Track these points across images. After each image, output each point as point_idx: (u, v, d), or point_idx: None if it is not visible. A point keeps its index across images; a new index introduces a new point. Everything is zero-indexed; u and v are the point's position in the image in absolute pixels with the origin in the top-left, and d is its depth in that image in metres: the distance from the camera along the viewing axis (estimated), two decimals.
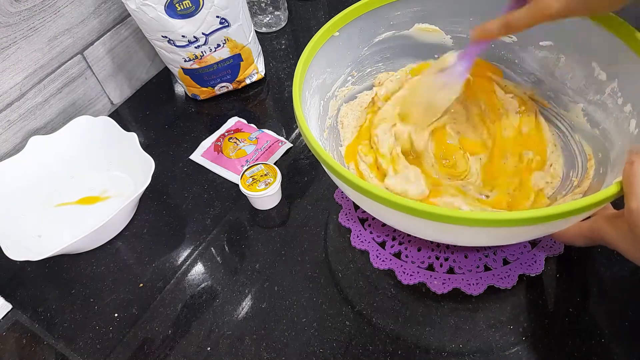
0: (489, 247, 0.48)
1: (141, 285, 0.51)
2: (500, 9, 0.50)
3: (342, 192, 0.54)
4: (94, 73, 0.67)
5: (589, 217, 0.38)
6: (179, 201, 0.58)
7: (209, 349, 0.45)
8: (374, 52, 0.55)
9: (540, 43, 0.50)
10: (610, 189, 0.32)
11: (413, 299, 0.46)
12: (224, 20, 0.61)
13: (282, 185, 0.54)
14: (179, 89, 0.73)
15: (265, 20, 0.78)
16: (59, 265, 0.53)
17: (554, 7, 0.36)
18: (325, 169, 0.40)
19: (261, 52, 0.71)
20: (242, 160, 0.60)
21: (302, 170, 0.59)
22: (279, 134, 0.63)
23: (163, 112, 0.70)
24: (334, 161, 0.37)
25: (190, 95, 0.70)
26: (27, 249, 0.52)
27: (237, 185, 0.56)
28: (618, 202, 0.34)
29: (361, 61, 0.54)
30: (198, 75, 0.66)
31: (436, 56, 0.56)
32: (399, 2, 0.51)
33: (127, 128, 0.58)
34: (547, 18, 0.37)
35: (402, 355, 0.42)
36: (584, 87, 0.48)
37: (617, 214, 0.35)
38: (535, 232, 0.39)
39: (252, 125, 0.65)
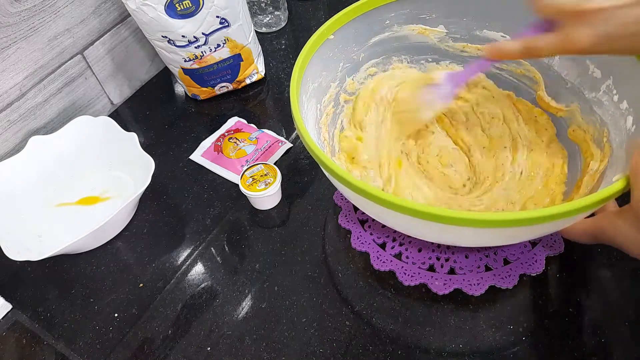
0: (490, 247, 0.48)
1: (141, 285, 0.51)
2: (493, 9, 0.50)
3: (341, 194, 0.54)
4: (94, 73, 0.67)
5: (592, 215, 0.38)
6: (179, 201, 0.58)
7: (209, 349, 0.45)
8: (369, 55, 0.55)
9: None
10: (612, 187, 0.32)
11: (413, 299, 0.46)
12: (224, 20, 0.61)
13: (282, 185, 0.54)
14: (179, 89, 0.73)
15: (265, 20, 0.78)
16: (59, 265, 0.53)
17: (584, 42, 0.34)
18: (325, 172, 0.40)
19: (261, 52, 0.71)
20: (242, 160, 0.60)
21: (302, 170, 0.59)
22: (279, 134, 0.63)
23: (163, 112, 0.70)
24: (333, 164, 0.37)
25: (190, 95, 0.70)
26: (27, 249, 0.51)
27: (237, 185, 0.56)
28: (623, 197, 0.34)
29: (357, 63, 0.54)
30: (198, 75, 0.66)
31: (429, 60, 0.57)
32: (393, 4, 0.51)
33: (127, 128, 0.58)
34: (574, 52, 0.36)
35: (402, 355, 0.42)
36: (578, 85, 0.48)
37: (621, 210, 0.35)
38: (538, 232, 0.39)
39: (252, 125, 0.65)
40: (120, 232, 0.55)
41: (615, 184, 0.32)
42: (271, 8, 0.77)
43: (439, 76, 0.47)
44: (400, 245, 0.49)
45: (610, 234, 0.36)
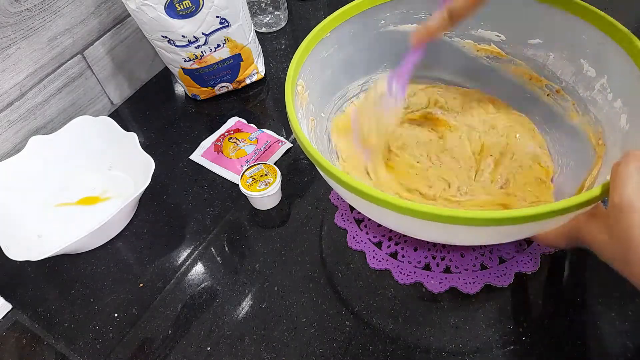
0: (485, 246, 0.48)
1: (141, 285, 0.51)
2: (487, 8, 0.50)
3: (337, 193, 0.54)
4: (94, 73, 0.67)
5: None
6: (179, 201, 0.58)
7: (209, 349, 0.45)
8: (364, 55, 0.55)
9: (529, 41, 0.50)
10: (596, 189, 0.32)
11: (413, 299, 0.46)
12: (224, 20, 0.61)
13: (282, 185, 0.55)
14: (179, 89, 0.73)
15: (265, 20, 0.78)
16: (59, 265, 0.53)
17: None
18: (320, 172, 0.40)
19: (261, 52, 0.71)
20: (242, 160, 0.60)
21: (302, 170, 0.59)
22: (279, 134, 0.63)
23: (163, 112, 0.70)
24: (326, 161, 0.37)
25: (190, 95, 0.70)
26: (27, 249, 0.51)
27: (237, 185, 0.56)
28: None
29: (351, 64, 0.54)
30: (198, 75, 0.66)
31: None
32: (388, 4, 0.51)
33: (127, 128, 0.58)
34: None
35: (402, 355, 0.42)
36: (573, 84, 0.48)
37: (596, 213, 0.35)
38: (529, 230, 0.39)
39: (252, 125, 0.65)
40: (120, 232, 0.55)
41: (595, 189, 0.32)
42: (271, 8, 0.77)
43: (382, 86, 0.46)
44: (396, 244, 0.49)
45: (584, 237, 0.35)
